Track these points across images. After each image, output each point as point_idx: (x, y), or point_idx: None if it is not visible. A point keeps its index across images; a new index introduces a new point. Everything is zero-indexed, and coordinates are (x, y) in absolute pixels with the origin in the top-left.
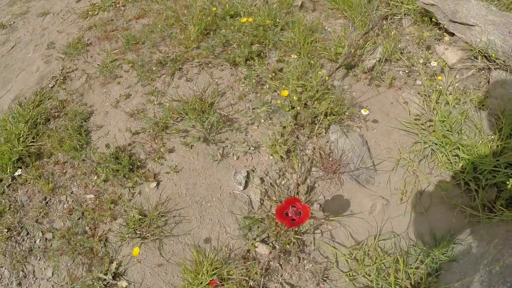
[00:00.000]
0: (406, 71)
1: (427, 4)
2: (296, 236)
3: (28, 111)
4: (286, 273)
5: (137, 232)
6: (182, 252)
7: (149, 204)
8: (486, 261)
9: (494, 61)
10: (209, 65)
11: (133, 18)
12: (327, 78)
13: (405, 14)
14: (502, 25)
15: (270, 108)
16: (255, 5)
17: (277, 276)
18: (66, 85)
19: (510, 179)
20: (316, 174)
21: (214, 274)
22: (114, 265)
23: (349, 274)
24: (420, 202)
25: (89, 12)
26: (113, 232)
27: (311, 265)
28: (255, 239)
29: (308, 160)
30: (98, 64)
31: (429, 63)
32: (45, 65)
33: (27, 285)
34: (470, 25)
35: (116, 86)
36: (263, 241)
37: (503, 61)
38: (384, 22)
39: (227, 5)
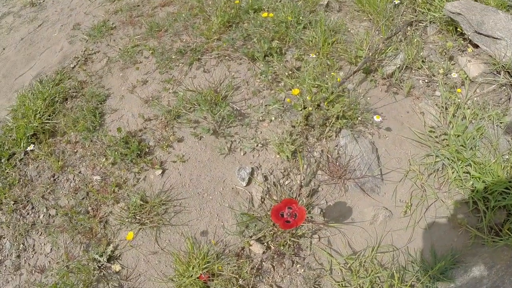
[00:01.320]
0: (426, 81)
1: (453, 13)
2: (293, 239)
3: (48, 89)
4: (278, 275)
5: (137, 217)
6: (178, 242)
7: (152, 191)
8: (485, 287)
9: None
10: (228, 58)
11: (159, 5)
12: (338, 79)
13: (430, 22)
14: None
15: (282, 106)
16: (280, 1)
17: (268, 277)
18: (87, 67)
19: None
20: (321, 178)
21: (205, 268)
22: (110, 247)
23: (342, 284)
24: (424, 218)
25: None
26: (113, 215)
27: (303, 270)
28: (251, 237)
29: (315, 163)
30: (119, 48)
31: (450, 74)
32: (69, 45)
33: (25, 258)
34: (496, 38)
35: (135, 72)
36: (258, 240)
37: None
38: (409, 28)
39: (252, 2)
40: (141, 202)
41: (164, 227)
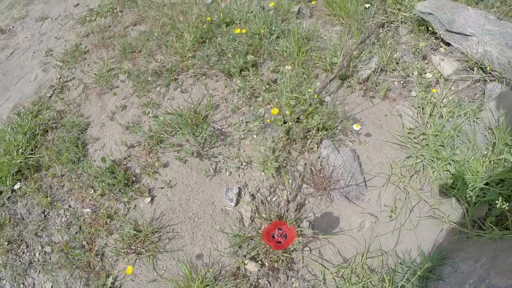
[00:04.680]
0: (401, 82)
1: (424, 13)
2: (285, 254)
3: (27, 121)
4: None
5: (132, 247)
6: (175, 268)
7: (144, 219)
8: (472, 281)
9: (490, 73)
10: (204, 76)
11: (130, 24)
12: (316, 96)
13: (401, 22)
14: (499, 35)
15: (263, 122)
16: (251, 12)
17: None
18: (63, 95)
19: (500, 197)
20: (306, 191)
21: None
22: (110, 280)
23: None
24: (409, 219)
25: (87, 18)
26: (109, 247)
27: (298, 283)
28: (245, 256)
29: (299, 177)
30: (95, 74)
31: (424, 74)
32: (43, 73)
33: None
34: (467, 35)
35: (112, 97)
36: (252, 258)
37: (499, 73)
38: (381, 30)
39: (222, 14)
40: (135, 232)
41: (160, 254)
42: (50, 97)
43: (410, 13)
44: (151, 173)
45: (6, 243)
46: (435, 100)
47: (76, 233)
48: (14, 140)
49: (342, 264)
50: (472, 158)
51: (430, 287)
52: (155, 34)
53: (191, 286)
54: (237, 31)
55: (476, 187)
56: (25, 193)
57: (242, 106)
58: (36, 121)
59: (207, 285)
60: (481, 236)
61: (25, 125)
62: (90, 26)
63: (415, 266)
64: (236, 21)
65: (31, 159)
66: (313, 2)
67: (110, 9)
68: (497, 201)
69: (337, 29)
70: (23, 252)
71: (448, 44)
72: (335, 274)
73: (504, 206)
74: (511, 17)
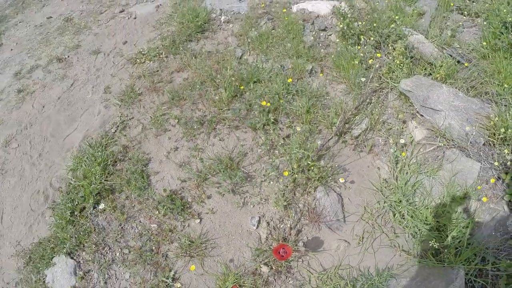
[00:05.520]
0: (384, 140)
1: (406, 90)
2: (286, 263)
3: (99, 153)
4: (278, 285)
5: (187, 252)
6: (216, 267)
7: (195, 234)
8: None
9: (451, 141)
10: (236, 127)
11: (175, 70)
12: (312, 163)
13: (391, 89)
14: (463, 111)
15: (278, 172)
16: (273, 71)
17: (272, 286)
18: (126, 132)
19: (433, 239)
20: (303, 222)
21: (235, 282)
22: (172, 272)
23: None
24: (372, 246)
25: (137, 60)
26: (171, 251)
27: (293, 281)
28: (261, 262)
29: (299, 212)
30: (150, 116)
31: (402, 136)
32: (105, 109)
33: (111, 283)
34: (437, 110)
35: (167, 140)
36: (265, 263)
37: (457, 142)
38: (374, 95)
39: (251, 75)
40: (189, 242)
41: (206, 258)
42: (114, 132)
43: (397, 84)
44: (199, 202)
45: (94, 245)
46: (405, 161)
47: (147, 240)
48: (92, 167)
49: (322, 271)
50: (424, 207)
51: None
52: (197, 86)
53: (226, 279)
54: (264, 103)
55: (420, 229)
56: (104, 209)
57: (264, 156)
58: (107, 154)
59: (236, 279)
60: (421, 263)
61: (98, 157)
62: (141, 68)
63: (371, 277)
64: (261, 80)
65: (106, 184)
66: (321, 74)
67: (157, 54)
68: (430, 242)
69: (341, 87)
70: (107, 253)
71: (422, 115)
72: (317, 278)
73: (435, 245)
74: (485, 85)
